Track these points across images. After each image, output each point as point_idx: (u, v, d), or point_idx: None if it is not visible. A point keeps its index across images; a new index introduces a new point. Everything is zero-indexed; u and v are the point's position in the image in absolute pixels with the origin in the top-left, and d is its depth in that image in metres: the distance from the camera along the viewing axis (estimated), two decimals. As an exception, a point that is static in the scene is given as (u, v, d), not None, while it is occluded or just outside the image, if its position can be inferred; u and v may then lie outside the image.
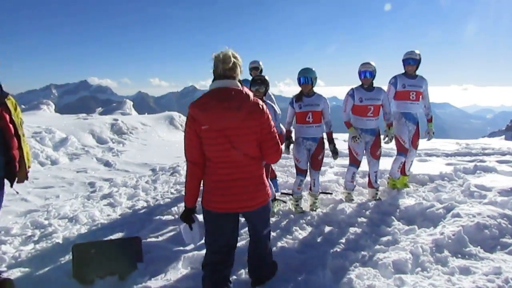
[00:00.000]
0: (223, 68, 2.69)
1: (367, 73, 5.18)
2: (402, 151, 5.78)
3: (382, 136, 5.52)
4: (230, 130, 2.62)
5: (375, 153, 5.44)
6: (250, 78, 6.33)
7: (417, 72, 5.73)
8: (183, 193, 6.54)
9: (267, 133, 2.73)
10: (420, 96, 5.69)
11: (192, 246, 3.98)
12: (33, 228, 5.31)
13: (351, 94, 5.29)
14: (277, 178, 6.36)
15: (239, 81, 2.76)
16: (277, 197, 5.86)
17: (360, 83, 5.30)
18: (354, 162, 5.50)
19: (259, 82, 4.80)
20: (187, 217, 2.87)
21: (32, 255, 4.36)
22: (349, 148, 5.51)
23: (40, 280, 3.70)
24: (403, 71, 5.73)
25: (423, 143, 7.32)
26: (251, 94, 2.72)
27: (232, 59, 2.71)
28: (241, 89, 2.69)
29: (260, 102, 2.74)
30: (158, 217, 5.47)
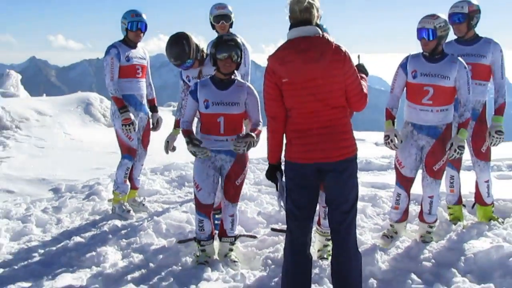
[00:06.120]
0: (299, 10, 2.70)
1: (423, 33, 3.61)
2: (449, 161, 4.21)
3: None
4: (311, 81, 2.66)
5: (431, 167, 3.81)
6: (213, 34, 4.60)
7: (482, 34, 4.08)
8: (105, 228, 4.50)
9: (351, 82, 2.72)
10: (485, 73, 4.03)
11: None
12: None
13: (403, 64, 3.83)
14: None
15: (317, 25, 2.75)
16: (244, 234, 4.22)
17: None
18: (400, 181, 3.92)
19: (232, 44, 3.51)
20: (272, 174, 2.92)
21: None
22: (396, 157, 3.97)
23: None
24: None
25: (501, 150, 5.55)
26: (332, 40, 2.72)
27: None
28: (321, 35, 2.71)
29: (343, 48, 2.68)
30: (61, 271, 3.72)
